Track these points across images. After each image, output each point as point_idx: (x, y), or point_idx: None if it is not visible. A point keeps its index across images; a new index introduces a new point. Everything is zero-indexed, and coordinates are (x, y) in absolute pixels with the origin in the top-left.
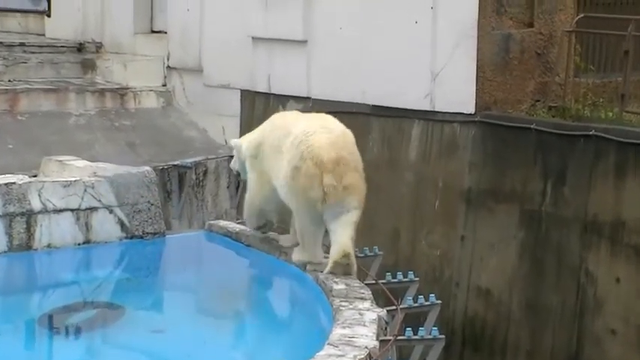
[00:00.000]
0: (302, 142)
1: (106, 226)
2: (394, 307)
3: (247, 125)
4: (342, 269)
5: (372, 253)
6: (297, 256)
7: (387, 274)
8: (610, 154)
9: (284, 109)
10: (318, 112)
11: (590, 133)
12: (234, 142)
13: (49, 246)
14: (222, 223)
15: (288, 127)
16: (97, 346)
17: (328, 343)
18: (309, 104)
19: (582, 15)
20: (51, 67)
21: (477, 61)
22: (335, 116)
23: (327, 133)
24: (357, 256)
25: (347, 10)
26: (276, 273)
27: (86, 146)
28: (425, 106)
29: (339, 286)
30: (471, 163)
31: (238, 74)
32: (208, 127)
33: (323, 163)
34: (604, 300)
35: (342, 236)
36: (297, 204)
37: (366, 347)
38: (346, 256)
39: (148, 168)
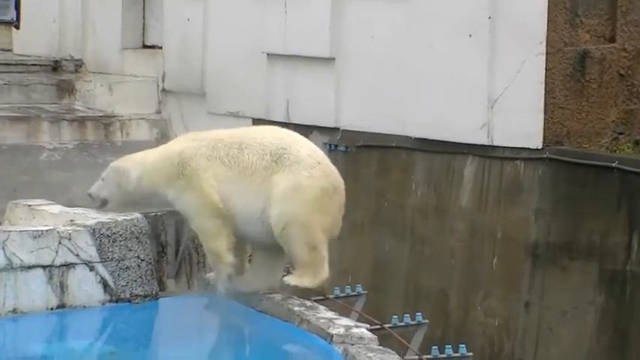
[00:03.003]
0: (312, 159)
1: (85, 287)
2: None
3: None
4: None
5: (414, 322)
6: (308, 280)
7: (434, 347)
8: None
9: None
10: (349, 146)
11: None
12: (115, 165)
13: (14, 311)
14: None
15: (247, 139)
16: None
17: None
18: (338, 136)
19: None
20: (19, 90)
21: (546, 84)
22: (371, 152)
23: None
24: (396, 326)
25: (384, 20)
26: (295, 345)
27: (62, 188)
28: (481, 139)
29: None
30: (538, 211)
31: (250, 99)
32: None
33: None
34: None
35: None
36: (325, 225)
37: None
38: None
39: (137, 215)
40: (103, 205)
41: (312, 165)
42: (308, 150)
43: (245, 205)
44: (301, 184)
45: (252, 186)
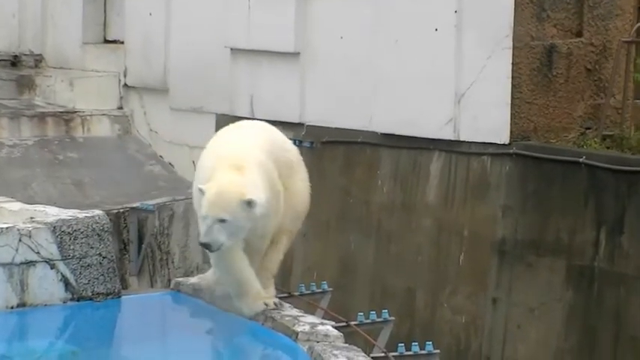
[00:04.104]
0: (298, 159)
1: (46, 285)
2: None
3: None
4: None
5: (380, 319)
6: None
7: (400, 345)
8: None
9: None
10: (314, 141)
11: None
12: (241, 200)
13: None
14: (193, 281)
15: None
16: None
17: None
18: (302, 132)
19: None
20: None
21: (513, 78)
22: (336, 148)
23: None
24: (362, 323)
25: (350, 14)
26: (261, 344)
27: (22, 185)
28: (447, 134)
29: (338, 359)
30: (505, 207)
31: (213, 95)
32: (175, 162)
33: None
34: None
35: None
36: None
37: None
38: None
39: (99, 212)
40: (219, 247)
41: (299, 162)
42: (293, 147)
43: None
44: (304, 193)
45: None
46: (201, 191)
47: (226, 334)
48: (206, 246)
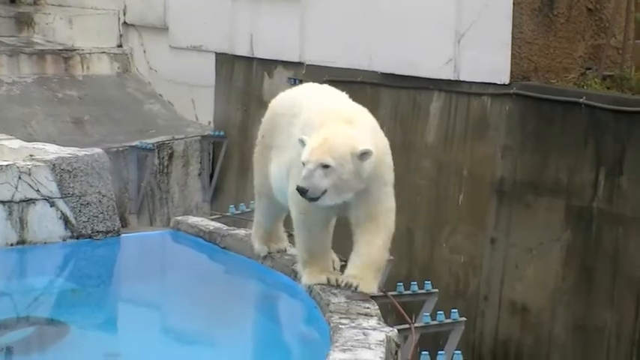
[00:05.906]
0: None
1: (45, 223)
2: (407, 326)
3: (224, 98)
4: None
5: None
6: None
7: (399, 284)
8: None
9: (270, 77)
10: (313, 81)
11: None
12: (357, 149)
13: None
14: (192, 220)
15: None
16: None
17: None
18: (302, 71)
19: None
20: None
21: (513, 18)
22: (336, 87)
23: None
24: None
25: None
26: (259, 282)
27: (21, 122)
28: (447, 74)
29: (337, 299)
30: (505, 147)
31: (213, 34)
32: (175, 100)
33: None
34: None
35: None
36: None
37: None
38: None
39: (99, 150)
40: (318, 198)
41: None
42: None
43: None
44: None
45: None
46: (302, 142)
47: (225, 272)
48: (302, 191)
